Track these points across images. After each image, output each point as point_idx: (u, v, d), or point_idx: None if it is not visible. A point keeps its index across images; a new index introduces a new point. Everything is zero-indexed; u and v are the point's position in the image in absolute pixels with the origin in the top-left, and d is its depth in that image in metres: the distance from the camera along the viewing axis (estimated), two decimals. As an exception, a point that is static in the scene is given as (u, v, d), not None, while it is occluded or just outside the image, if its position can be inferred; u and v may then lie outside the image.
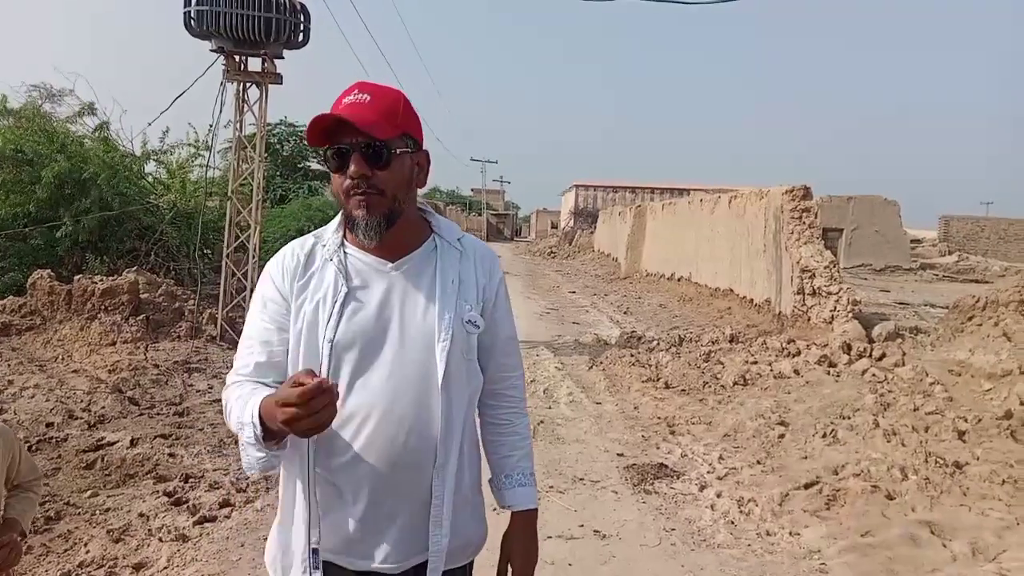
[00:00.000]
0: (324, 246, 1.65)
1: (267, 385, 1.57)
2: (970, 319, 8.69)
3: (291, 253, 1.66)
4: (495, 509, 1.78)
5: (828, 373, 7.83)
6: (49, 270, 9.33)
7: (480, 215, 61.11)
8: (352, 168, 1.52)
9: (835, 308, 9.93)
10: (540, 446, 5.70)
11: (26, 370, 7.14)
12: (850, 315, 9.77)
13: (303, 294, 1.59)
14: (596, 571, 3.77)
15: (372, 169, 1.52)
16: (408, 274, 1.61)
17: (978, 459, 5.17)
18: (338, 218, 1.67)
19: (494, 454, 1.81)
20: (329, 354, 1.53)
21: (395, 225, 1.57)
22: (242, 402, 1.49)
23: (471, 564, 1.78)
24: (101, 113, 13.31)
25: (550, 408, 6.90)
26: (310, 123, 1.51)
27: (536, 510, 1.78)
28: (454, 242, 1.70)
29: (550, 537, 4.11)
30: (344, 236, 1.65)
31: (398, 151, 1.55)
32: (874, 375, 7.56)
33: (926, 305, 14.59)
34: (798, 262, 10.59)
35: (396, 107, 1.56)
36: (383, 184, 1.53)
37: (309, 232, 1.74)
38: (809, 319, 10.28)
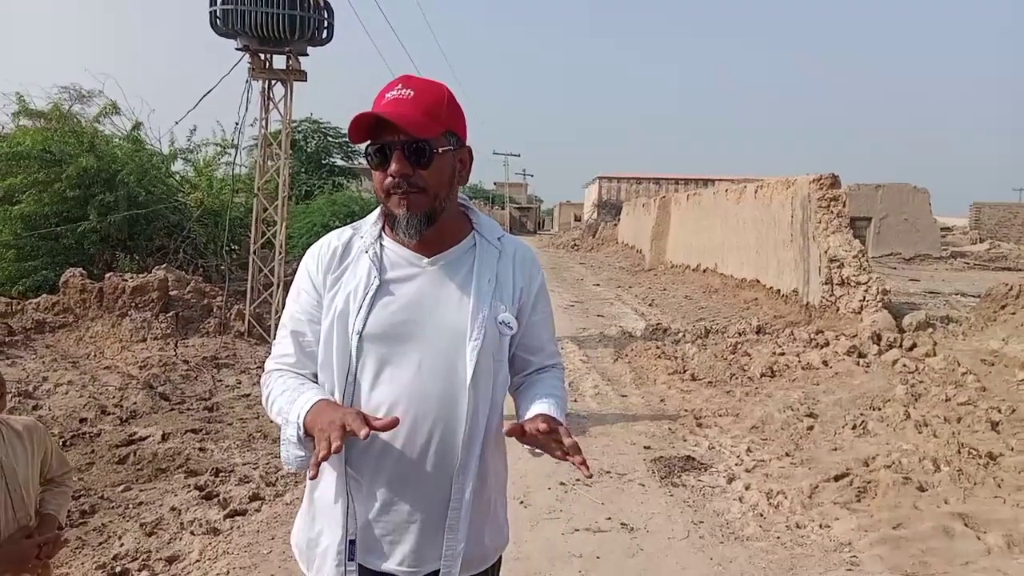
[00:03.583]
0: (362, 238, 1.64)
1: (308, 378, 1.61)
2: (1003, 308, 8.53)
3: (327, 244, 1.65)
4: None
5: (857, 364, 7.74)
6: (80, 268, 9.49)
7: (503, 208, 61.07)
8: (394, 167, 1.50)
9: (864, 298, 9.79)
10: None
11: (60, 367, 7.27)
12: (879, 305, 9.63)
13: (336, 286, 1.59)
14: (624, 564, 3.76)
15: (414, 168, 1.50)
16: (444, 270, 1.60)
17: (1012, 450, 5.08)
18: (378, 210, 1.66)
19: (522, 398, 1.70)
20: (357, 345, 1.53)
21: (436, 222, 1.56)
22: (288, 397, 1.53)
23: (496, 570, 1.75)
24: (128, 112, 13.48)
25: (576, 401, 6.88)
26: (352, 121, 1.49)
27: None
28: (494, 241, 1.68)
29: (577, 530, 4.11)
30: (382, 229, 1.64)
31: (440, 150, 1.52)
32: (905, 366, 7.46)
33: (957, 294, 14.35)
34: (826, 252, 10.45)
35: (440, 103, 1.53)
36: (425, 182, 1.51)
37: (334, 227, 1.73)
38: (838, 309, 10.15)
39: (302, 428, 1.46)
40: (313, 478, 1.39)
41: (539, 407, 1.60)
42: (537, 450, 1.52)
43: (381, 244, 1.62)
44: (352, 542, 1.55)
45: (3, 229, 11.02)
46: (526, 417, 1.59)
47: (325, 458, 1.34)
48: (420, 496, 1.55)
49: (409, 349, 1.54)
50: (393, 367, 1.53)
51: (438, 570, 1.57)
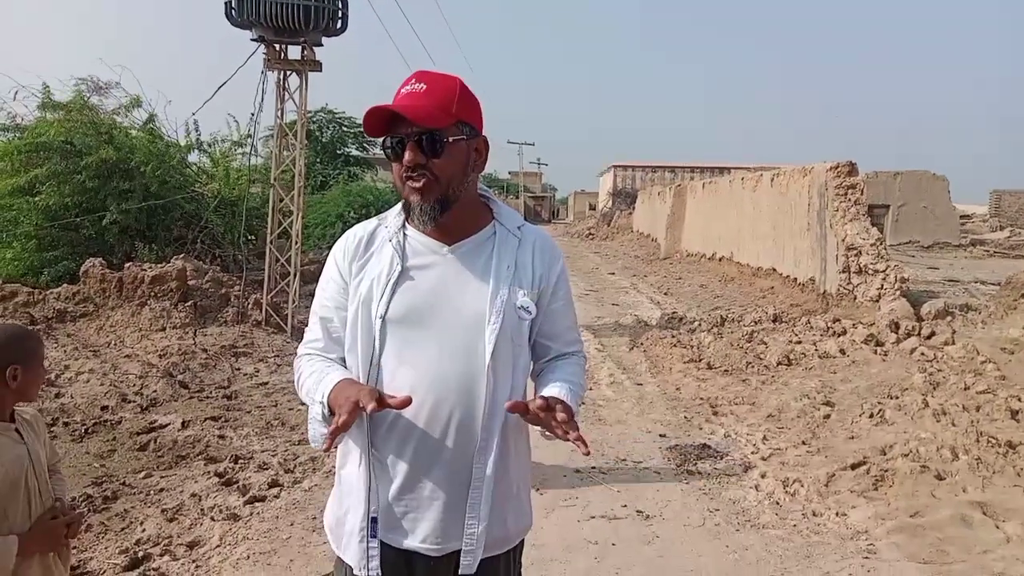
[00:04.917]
0: (386, 228, 1.70)
1: (336, 362, 1.68)
2: (1023, 296, 8.44)
3: (354, 235, 1.72)
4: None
5: (875, 352, 7.69)
6: (100, 258, 9.59)
7: (517, 198, 60.97)
8: (407, 156, 1.56)
9: (882, 286, 9.73)
10: (582, 427, 5.70)
11: (81, 355, 7.37)
12: (898, 293, 9.56)
13: (361, 273, 1.65)
14: (639, 551, 3.78)
15: (427, 157, 1.56)
16: (463, 257, 1.65)
17: (1032, 439, 5.04)
18: (402, 202, 1.72)
19: (540, 384, 1.74)
20: (380, 329, 1.59)
21: (452, 210, 1.61)
22: (316, 379, 1.61)
23: (519, 552, 1.78)
24: (146, 104, 13.55)
25: (591, 390, 6.89)
26: (365, 115, 1.56)
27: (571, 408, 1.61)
28: (513, 229, 1.73)
29: (593, 517, 4.13)
30: (406, 219, 1.70)
31: (452, 139, 1.58)
32: (923, 354, 7.41)
33: (976, 282, 14.20)
34: (843, 240, 10.38)
35: (451, 95, 1.58)
36: (437, 171, 1.57)
37: (349, 217, 1.78)
38: (855, 298, 10.09)
39: (327, 407, 1.54)
40: (326, 450, 1.47)
41: (550, 391, 1.64)
42: (547, 433, 1.57)
43: (405, 233, 1.68)
44: (374, 519, 1.59)
45: (25, 220, 11.16)
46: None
47: (335, 431, 1.42)
48: (442, 475, 1.59)
49: (430, 333, 1.59)
50: (414, 350, 1.58)
51: (460, 549, 1.60)
